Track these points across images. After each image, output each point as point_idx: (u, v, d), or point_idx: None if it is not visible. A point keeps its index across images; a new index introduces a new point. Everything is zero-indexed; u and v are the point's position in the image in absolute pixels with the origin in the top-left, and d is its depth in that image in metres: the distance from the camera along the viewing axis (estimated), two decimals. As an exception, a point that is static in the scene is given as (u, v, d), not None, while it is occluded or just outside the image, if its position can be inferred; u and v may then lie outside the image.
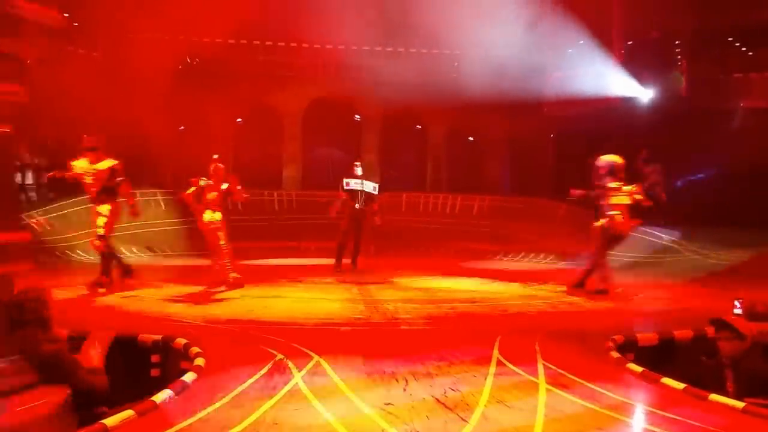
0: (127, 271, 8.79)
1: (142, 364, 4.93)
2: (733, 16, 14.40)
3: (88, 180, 8.36)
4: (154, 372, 4.96)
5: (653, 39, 16.32)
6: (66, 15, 16.04)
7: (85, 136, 8.63)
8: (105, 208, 8.29)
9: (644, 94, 16.48)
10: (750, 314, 4.82)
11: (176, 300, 7.65)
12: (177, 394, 3.84)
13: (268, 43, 18.77)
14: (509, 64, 16.85)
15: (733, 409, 3.74)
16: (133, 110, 15.30)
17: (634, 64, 16.13)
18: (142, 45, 15.61)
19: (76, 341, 4.00)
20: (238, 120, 19.29)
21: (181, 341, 4.97)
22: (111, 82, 15.72)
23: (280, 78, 18.41)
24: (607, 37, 17.19)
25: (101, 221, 8.27)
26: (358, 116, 19.15)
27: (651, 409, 3.88)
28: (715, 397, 3.89)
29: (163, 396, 3.74)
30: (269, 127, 18.98)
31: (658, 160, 10.56)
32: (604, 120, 15.83)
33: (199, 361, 4.47)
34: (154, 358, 4.98)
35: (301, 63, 18.78)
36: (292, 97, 18.87)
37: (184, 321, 6.33)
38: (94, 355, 3.73)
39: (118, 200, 8.49)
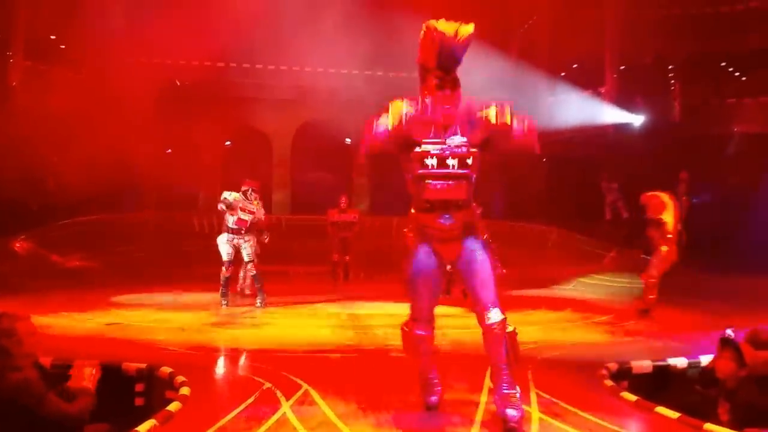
0: None
1: (126, 393, 4.81)
2: (725, 41, 14.58)
3: None
4: (138, 401, 4.85)
5: (646, 64, 16.47)
6: (52, 37, 16.07)
7: None
8: None
9: (637, 119, 16.60)
10: (753, 342, 4.78)
11: (161, 327, 7.53)
12: (162, 424, 3.76)
13: (258, 66, 18.84)
14: (499, 89, 16.97)
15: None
16: (119, 133, 15.28)
17: (628, 89, 16.27)
18: (129, 67, 15.63)
19: (61, 369, 3.90)
20: (227, 143, 19.28)
21: (166, 370, 4.87)
22: (96, 105, 15.71)
23: (269, 101, 18.48)
24: (600, 62, 17.39)
25: None
26: (348, 139, 19.17)
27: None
28: (709, 426, 3.84)
29: (147, 426, 3.65)
30: (258, 151, 18.98)
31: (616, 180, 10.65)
32: (597, 145, 15.92)
33: (185, 391, 4.37)
34: (139, 387, 4.87)
35: (291, 86, 18.90)
36: (282, 120, 18.90)
37: (169, 348, 6.21)
38: (87, 377, 3.65)
39: None
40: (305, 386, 4.69)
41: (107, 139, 15.42)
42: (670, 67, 16.83)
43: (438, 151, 3.73)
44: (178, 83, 17.97)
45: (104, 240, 13.92)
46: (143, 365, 4.98)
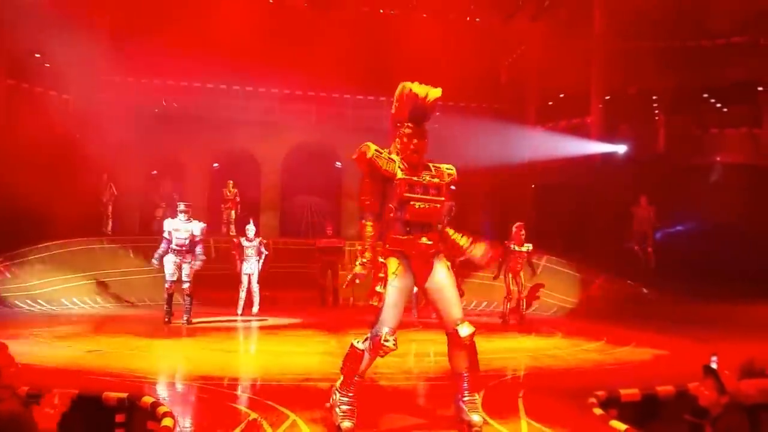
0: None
1: (106, 425, 4.67)
2: (707, 74, 14.84)
3: None
4: (119, 432, 4.72)
5: (630, 94, 16.70)
6: (37, 55, 16.01)
7: None
8: None
9: (622, 148, 16.78)
10: (748, 372, 4.79)
11: (143, 355, 7.40)
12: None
13: (248, 88, 18.91)
14: (488, 116, 17.16)
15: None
16: (103, 153, 15.16)
17: (612, 118, 16.47)
18: (115, 87, 15.61)
19: (34, 399, 3.78)
20: (215, 165, 19.21)
21: (148, 400, 4.74)
22: (82, 124, 15.62)
23: (258, 124, 18.49)
24: (585, 92, 17.61)
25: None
26: (339, 163, 19.19)
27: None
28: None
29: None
30: (247, 173, 18.92)
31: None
32: (584, 174, 16.05)
33: (167, 422, 4.25)
34: (119, 418, 4.71)
35: (281, 109, 18.96)
36: (271, 143, 18.88)
37: (151, 378, 6.09)
38: (48, 416, 3.51)
39: None
40: (293, 416, 4.60)
41: (90, 159, 15.40)
42: (654, 97, 17.07)
43: (417, 179, 4.33)
44: (164, 103, 17.95)
45: (88, 264, 13.77)
46: (124, 395, 4.85)
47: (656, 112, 16.69)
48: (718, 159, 15.22)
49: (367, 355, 4.24)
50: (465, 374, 4.35)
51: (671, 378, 5.87)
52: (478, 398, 4.39)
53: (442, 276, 4.36)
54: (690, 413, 4.62)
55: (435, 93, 4.33)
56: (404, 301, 4.34)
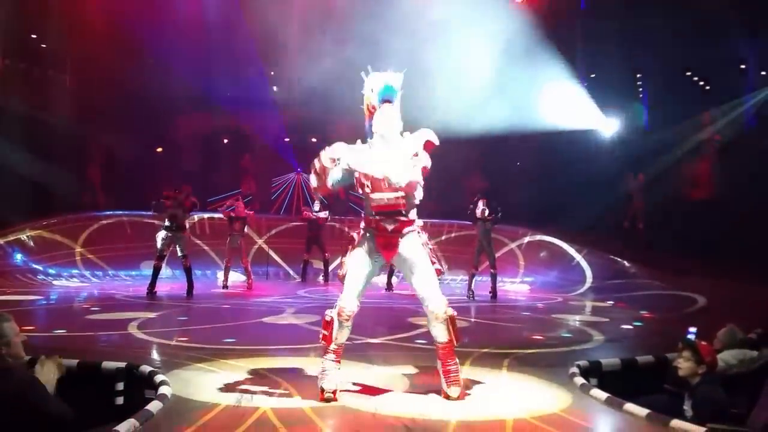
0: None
1: (106, 392, 4.80)
2: (692, 52, 14.88)
3: None
4: (119, 400, 4.83)
5: (617, 72, 16.73)
6: (34, 36, 15.84)
7: None
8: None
9: (607, 126, 16.89)
10: (729, 342, 5.05)
11: (143, 326, 7.51)
12: (142, 423, 3.75)
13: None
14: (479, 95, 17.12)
15: (694, 434, 3.81)
16: (106, 132, 15.15)
17: (597, 96, 16.54)
18: (114, 67, 15.47)
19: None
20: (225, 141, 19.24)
21: (147, 368, 4.88)
22: (82, 105, 15.52)
23: (253, 102, 18.38)
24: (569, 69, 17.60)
25: None
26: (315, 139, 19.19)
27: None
28: (676, 423, 3.95)
29: (127, 426, 3.63)
30: (242, 151, 18.98)
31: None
32: (568, 150, 16.17)
33: (165, 390, 4.39)
34: (119, 386, 4.86)
35: (275, 90, 18.86)
36: (265, 120, 18.82)
37: (150, 347, 6.24)
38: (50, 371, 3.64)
39: None
40: (285, 384, 4.75)
41: (94, 138, 15.36)
42: (638, 75, 17.14)
43: (379, 176, 4.46)
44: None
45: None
46: (122, 364, 4.97)
47: (641, 90, 16.78)
48: (702, 137, 15.35)
49: (336, 322, 4.54)
50: (443, 345, 4.57)
51: (652, 348, 6.09)
52: (457, 369, 4.57)
53: (412, 253, 4.56)
54: (670, 383, 4.82)
55: (397, 78, 4.68)
56: (364, 273, 4.59)
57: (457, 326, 4.63)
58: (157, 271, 10.74)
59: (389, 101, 4.63)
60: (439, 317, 4.52)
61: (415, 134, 4.65)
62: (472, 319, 8.97)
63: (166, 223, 10.70)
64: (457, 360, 4.62)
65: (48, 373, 3.66)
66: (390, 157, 4.49)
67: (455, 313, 4.64)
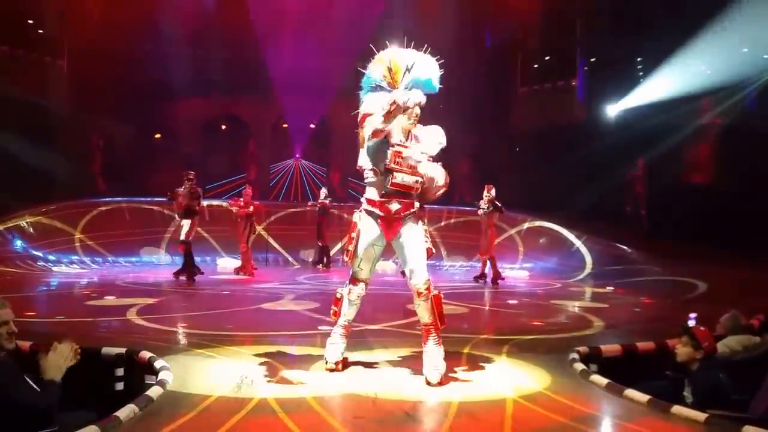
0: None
1: (106, 378, 4.80)
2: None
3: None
4: (118, 386, 4.84)
5: (617, 57, 16.64)
6: (30, 22, 15.76)
7: None
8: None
9: (607, 110, 16.83)
10: (732, 328, 5.03)
11: (142, 312, 7.51)
12: (141, 409, 3.76)
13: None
14: (476, 79, 17.06)
15: (695, 421, 3.81)
16: (104, 117, 15.11)
17: (597, 81, 16.47)
18: (111, 54, 15.39)
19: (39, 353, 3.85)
20: (206, 130, 19.12)
21: (146, 354, 4.88)
22: (80, 90, 15.47)
23: (249, 89, 18.30)
24: (570, 54, 17.56)
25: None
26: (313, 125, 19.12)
27: (616, 421, 3.96)
28: (677, 409, 3.96)
29: (126, 411, 3.65)
30: (239, 138, 18.91)
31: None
32: (569, 135, 16.12)
33: (165, 375, 4.38)
34: (118, 372, 4.86)
35: (272, 76, 18.78)
36: (262, 108, 18.77)
37: (150, 333, 6.23)
38: (53, 367, 3.57)
39: None
40: (285, 370, 4.75)
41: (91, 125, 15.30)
42: (638, 59, 17.05)
43: (407, 154, 4.63)
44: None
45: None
46: (122, 350, 4.97)
47: (641, 74, 16.67)
48: (701, 122, 15.30)
49: (345, 300, 4.81)
50: (426, 326, 4.63)
51: (652, 334, 6.09)
52: (442, 349, 4.58)
53: (410, 234, 4.67)
54: (671, 369, 4.82)
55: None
56: (370, 253, 4.75)
57: (442, 308, 4.66)
58: (189, 256, 10.88)
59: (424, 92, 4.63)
60: (420, 292, 4.56)
61: (432, 133, 4.86)
62: (472, 305, 8.97)
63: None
64: (441, 344, 4.60)
65: (58, 359, 3.58)
66: (416, 150, 4.69)
67: (441, 294, 4.70)
